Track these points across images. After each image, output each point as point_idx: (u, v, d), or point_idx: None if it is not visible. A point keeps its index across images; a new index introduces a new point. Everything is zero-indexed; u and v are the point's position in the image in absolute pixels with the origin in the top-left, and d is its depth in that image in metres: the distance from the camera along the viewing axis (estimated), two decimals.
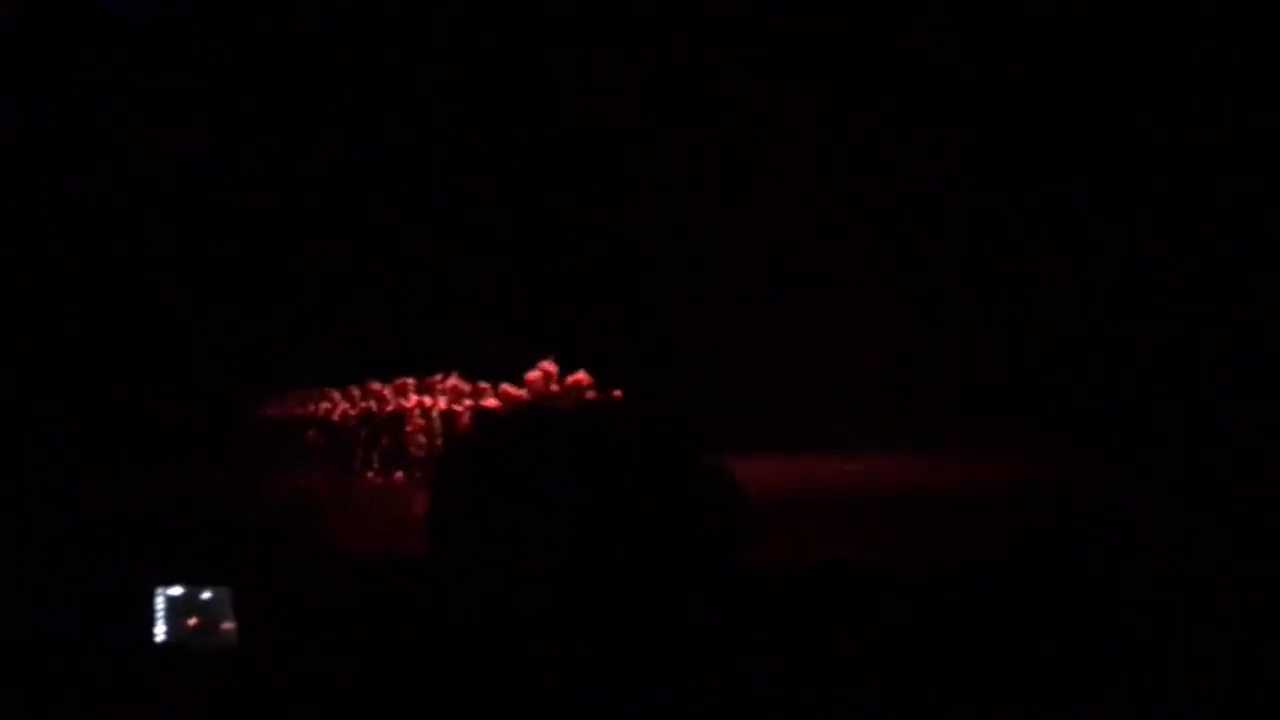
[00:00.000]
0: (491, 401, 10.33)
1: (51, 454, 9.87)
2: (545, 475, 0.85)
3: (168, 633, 2.38)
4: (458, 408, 10.56)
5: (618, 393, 9.73)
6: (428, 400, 10.79)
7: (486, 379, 10.60)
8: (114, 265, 12.35)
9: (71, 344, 11.97)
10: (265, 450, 11.70)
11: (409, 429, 10.86)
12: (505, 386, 10.39)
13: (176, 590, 2.41)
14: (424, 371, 10.99)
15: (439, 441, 10.70)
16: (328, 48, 12.70)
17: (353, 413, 11.36)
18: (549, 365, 10.13)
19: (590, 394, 9.47)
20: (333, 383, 11.54)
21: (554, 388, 9.82)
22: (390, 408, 11.06)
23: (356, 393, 11.45)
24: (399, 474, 11.03)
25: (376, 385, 11.30)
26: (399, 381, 11.09)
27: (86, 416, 11.19)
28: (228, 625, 2.39)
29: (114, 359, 12.03)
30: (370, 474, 11.13)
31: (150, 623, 2.37)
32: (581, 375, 9.84)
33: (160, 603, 2.40)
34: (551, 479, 0.85)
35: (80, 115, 11.99)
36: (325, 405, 11.62)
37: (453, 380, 10.81)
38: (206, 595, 2.43)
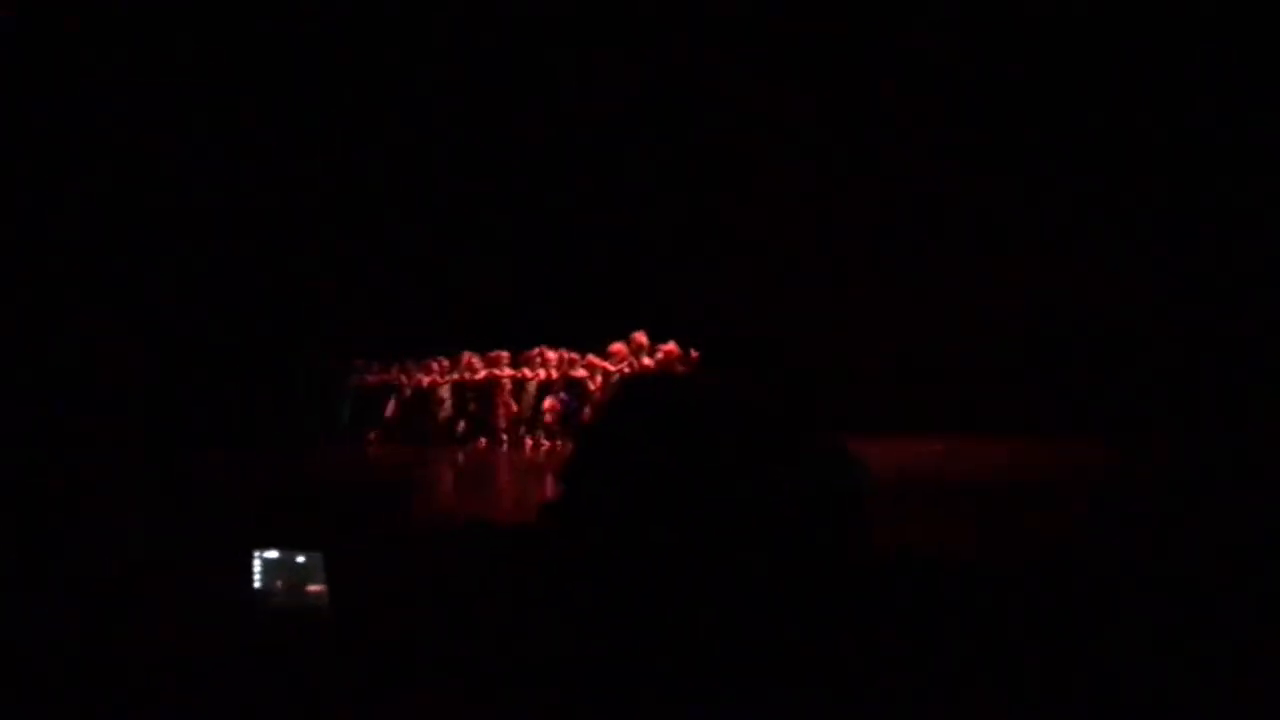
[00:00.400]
0: (580, 372, 10.54)
1: (163, 429, 10.13)
2: (677, 437, 0.84)
3: (261, 593, 2.54)
4: (554, 375, 10.81)
5: (694, 353, 9.84)
6: (527, 372, 11.05)
7: (581, 352, 10.85)
8: (195, 248, 12.54)
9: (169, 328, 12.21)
10: (360, 418, 12.05)
11: (499, 398, 11.11)
12: (591, 357, 10.60)
13: (273, 553, 2.54)
14: (520, 347, 11.25)
15: (527, 413, 10.96)
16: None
17: (441, 381, 11.64)
18: (640, 337, 10.31)
19: (680, 365, 9.62)
20: (435, 355, 11.85)
21: (645, 359, 9.99)
22: (480, 376, 11.32)
23: (448, 363, 11.75)
24: (481, 441, 11.27)
25: (469, 356, 11.57)
26: (493, 354, 11.37)
27: (186, 399, 11.44)
28: (314, 587, 2.52)
29: (209, 336, 12.29)
30: (455, 441, 11.40)
31: (249, 583, 2.51)
32: (671, 346, 9.99)
33: (257, 565, 2.55)
34: (682, 441, 0.83)
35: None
36: (419, 375, 11.93)
37: (547, 353, 11.05)
38: (300, 559, 2.54)
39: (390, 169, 13.40)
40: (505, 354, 11.44)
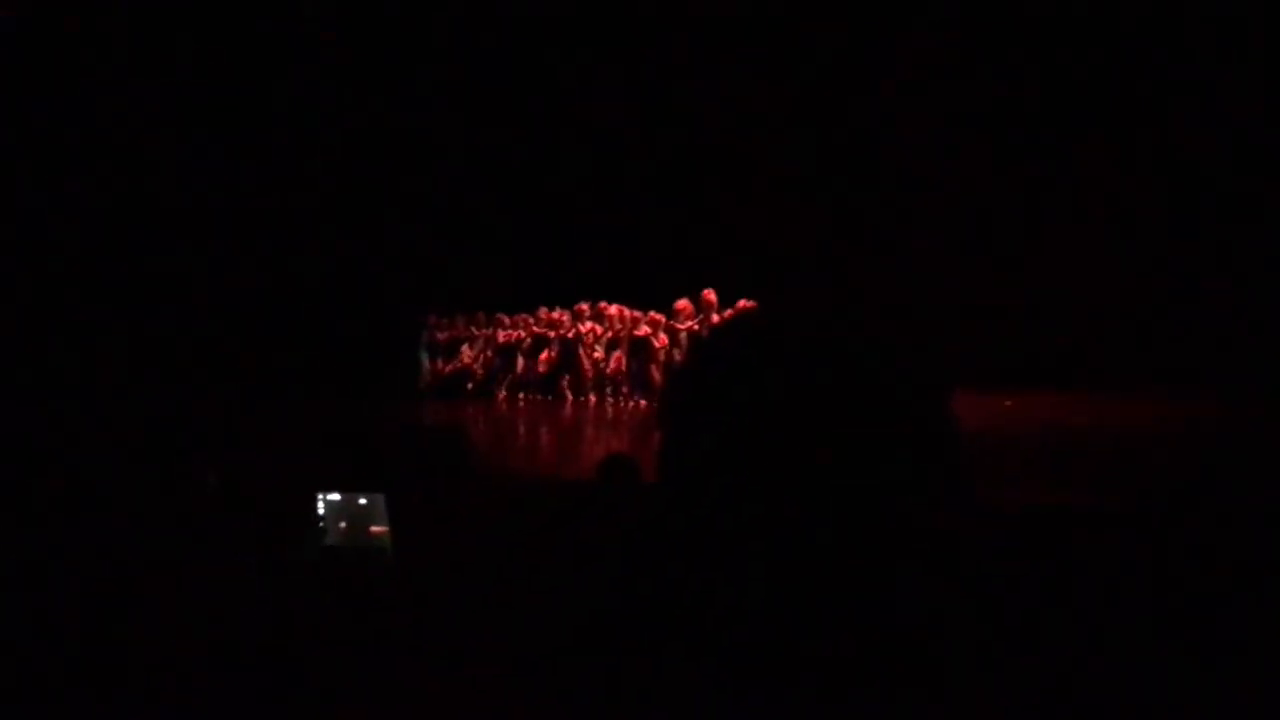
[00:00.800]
0: (644, 330, 10.50)
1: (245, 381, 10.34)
2: (778, 388, 0.73)
3: (323, 533, 2.67)
4: (621, 332, 10.78)
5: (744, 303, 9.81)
6: (598, 328, 11.02)
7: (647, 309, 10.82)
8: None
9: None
10: (433, 372, 12.08)
11: (581, 353, 11.08)
12: (654, 314, 10.56)
13: (336, 496, 2.65)
14: (591, 300, 11.20)
15: (607, 367, 10.92)
16: None
17: (520, 335, 11.61)
18: (710, 294, 10.24)
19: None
20: (509, 310, 11.85)
21: (715, 317, 9.96)
22: (561, 332, 11.28)
23: (529, 319, 11.69)
24: (547, 395, 11.27)
25: (546, 311, 11.52)
26: (577, 306, 11.29)
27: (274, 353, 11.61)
28: (376, 528, 2.62)
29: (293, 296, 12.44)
30: (530, 394, 11.40)
31: (314, 523, 2.66)
32: (744, 304, 9.92)
33: (321, 507, 2.66)
34: (781, 394, 0.73)
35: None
36: (493, 330, 11.92)
37: (615, 308, 10.98)
38: (362, 501, 2.64)
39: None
40: (585, 306, 11.33)
